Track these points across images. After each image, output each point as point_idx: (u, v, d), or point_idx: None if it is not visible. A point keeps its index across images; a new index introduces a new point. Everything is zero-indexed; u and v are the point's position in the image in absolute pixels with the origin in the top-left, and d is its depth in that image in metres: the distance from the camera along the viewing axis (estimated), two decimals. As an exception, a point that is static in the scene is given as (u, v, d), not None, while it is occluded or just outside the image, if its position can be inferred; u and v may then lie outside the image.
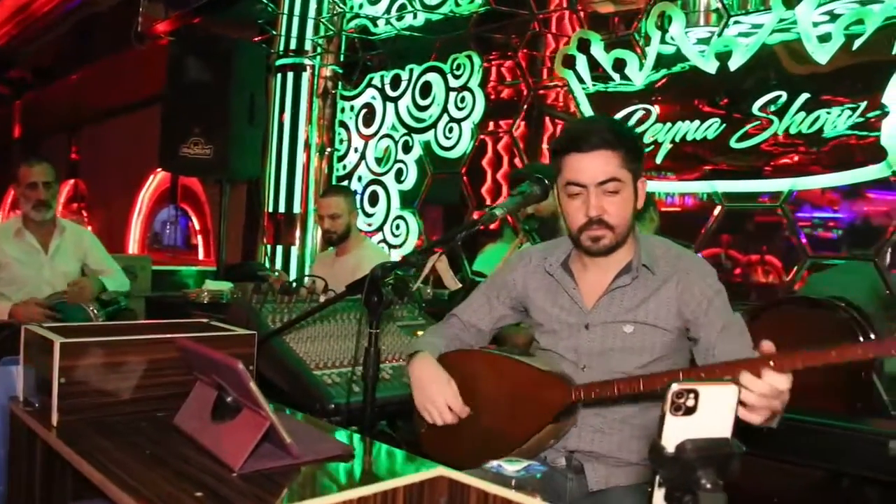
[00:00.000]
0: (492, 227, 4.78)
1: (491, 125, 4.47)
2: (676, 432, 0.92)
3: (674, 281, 1.69)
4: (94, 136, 8.96)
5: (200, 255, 6.75)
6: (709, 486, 0.91)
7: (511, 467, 1.05)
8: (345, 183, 5.18)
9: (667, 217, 3.71)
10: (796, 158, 3.15)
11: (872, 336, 2.91)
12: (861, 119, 2.96)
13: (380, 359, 1.85)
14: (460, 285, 1.86)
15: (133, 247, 7.69)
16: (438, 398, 1.73)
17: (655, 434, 0.92)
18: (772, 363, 1.30)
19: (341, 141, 5.31)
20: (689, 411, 0.92)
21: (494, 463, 1.08)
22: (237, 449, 1.30)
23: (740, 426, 1.93)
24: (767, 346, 1.33)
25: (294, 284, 2.66)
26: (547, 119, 4.43)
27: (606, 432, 1.73)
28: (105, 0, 7.11)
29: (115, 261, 3.86)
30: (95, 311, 3.50)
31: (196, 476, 1.25)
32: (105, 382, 1.59)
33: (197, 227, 6.97)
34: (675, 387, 0.91)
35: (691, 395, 0.92)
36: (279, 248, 5.27)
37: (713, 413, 0.93)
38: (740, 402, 1.29)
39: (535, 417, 1.67)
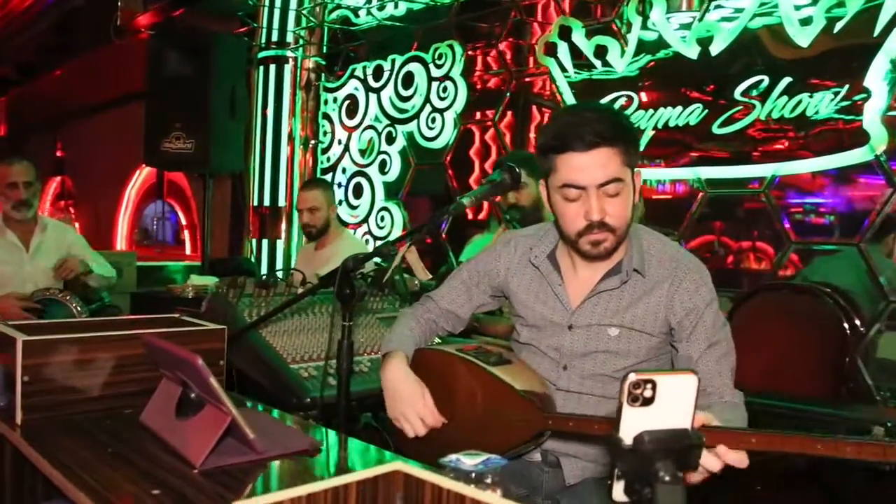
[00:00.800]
0: (479, 217, 4.82)
1: (478, 115, 4.45)
2: (634, 424, 0.90)
3: (665, 287, 1.60)
4: (80, 132, 8.90)
5: (188, 251, 6.72)
6: (667, 478, 0.89)
7: (470, 461, 1.03)
8: (329, 175, 5.15)
9: (652, 204, 3.70)
10: (779, 143, 3.13)
11: (857, 322, 2.92)
12: (843, 103, 2.94)
13: (353, 351, 1.82)
14: (430, 276, 1.83)
15: (121, 243, 7.65)
16: (410, 411, 1.66)
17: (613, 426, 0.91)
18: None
19: (325, 133, 5.28)
20: (647, 402, 0.90)
21: (453, 457, 1.06)
22: (199, 445, 1.28)
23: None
24: (701, 419, 1.19)
25: (273, 279, 2.62)
26: (534, 108, 4.42)
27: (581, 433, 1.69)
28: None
29: (104, 256, 3.83)
30: (79, 308, 3.48)
31: (157, 474, 1.23)
32: (71, 380, 1.57)
33: (184, 222, 6.94)
34: (632, 377, 0.89)
35: (648, 386, 0.90)
36: (265, 242, 5.24)
37: (672, 404, 0.91)
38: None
39: (506, 438, 1.60)
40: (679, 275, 1.60)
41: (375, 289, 2.79)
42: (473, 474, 1.04)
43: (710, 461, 1.19)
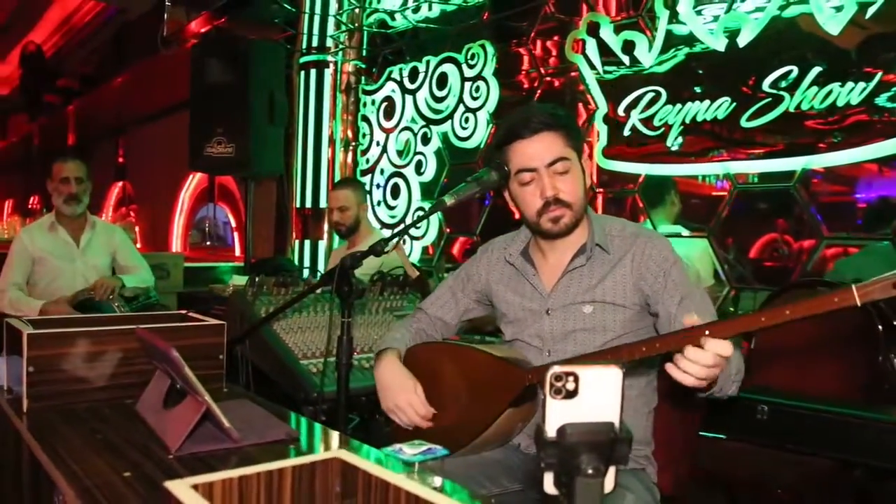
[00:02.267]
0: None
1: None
2: (558, 416, 0.90)
3: (629, 258, 1.69)
4: (138, 139, 9.26)
5: (237, 252, 6.91)
6: (589, 471, 0.89)
7: (410, 450, 1.05)
8: (367, 176, 5.23)
9: (685, 200, 3.63)
10: (809, 136, 3.03)
11: (894, 320, 2.81)
12: (877, 92, 2.83)
13: (353, 348, 1.86)
14: (418, 273, 1.85)
15: (176, 244, 7.92)
16: (402, 402, 1.76)
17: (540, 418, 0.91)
18: (707, 332, 1.29)
19: (364, 135, 5.36)
20: (570, 395, 0.90)
21: (397, 446, 1.09)
22: (176, 432, 1.34)
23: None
24: (690, 319, 1.33)
25: (291, 278, 2.69)
26: (580, 105, 4.38)
27: None
28: (136, 8, 7.33)
29: (151, 259, 4.00)
30: (121, 307, 3.64)
31: (135, 459, 1.30)
32: (75, 371, 1.66)
33: (233, 224, 7.14)
34: (554, 369, 0.90)
35: (571, 378, 0.90)
36: (307, 243, 5.35)
37: (597, 396, 0.91)
38: (686, 373, 1.30)
39: (494, 404, 1.67)
40: (640, 244, 1.70)
41: (397, 287, 2.83)
42: (416, 464, 1.07)
43: (700, 354, 1.29)
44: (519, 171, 1.68)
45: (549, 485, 0.94)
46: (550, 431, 0.91)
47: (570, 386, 0.91)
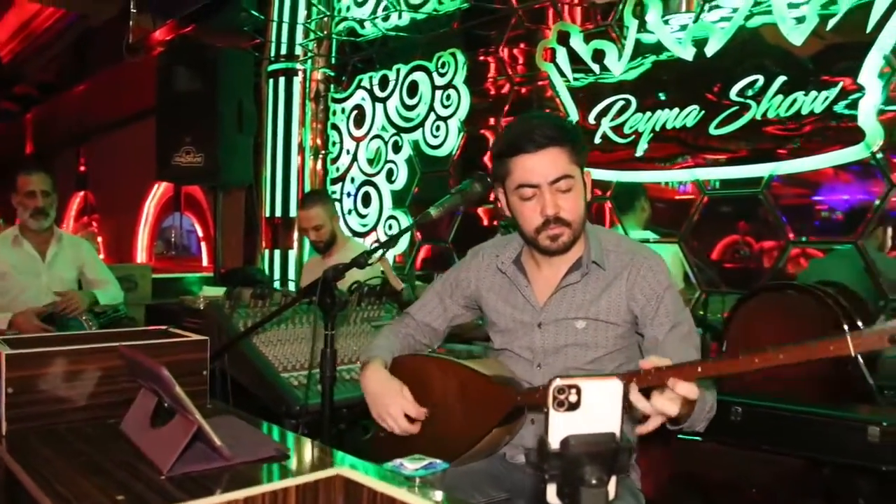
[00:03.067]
0: (495, 223, 4.83)
1: (492, 121, 4.47)
2: (561, 428, 0.92)
3: (624, 277, 1.69)
4: (100, 148, 9.10)
5: (204, 262, 6.82)
6: (593, 481, 0.91)
7: (412, 465, 1.06)
8: (338, 185, 5.21)
9: (658, 207, 3.69)
10: (775, 143, 3.11)
11: (860, 323, 2.89)
12: (838, 101, 2.92)
13: (336, 360, 1.86)
14: (402, 284, 1.86)
15: (141, 255, 7.80)
16: (393, 408, 1.73)
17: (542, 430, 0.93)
18: (699, 369, 1.29)
19: (334, 143, 5.34)
20: (573, 407, 0.92)
21: (397, 461, 1.09)
22: (166, 452, 1.32)
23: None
24: (650, 362, 1.33)
25: (269, 290, 2.67)
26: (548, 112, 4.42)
27: None
28: (99, 14, 7.21)
29: (117, 270, 3.92)
30: (90, 322, 3.57)
31: (125, 481, 1.28)
32: (55, 391, 1.62)
33: (201, 234, 7.05)
34: (557, 382, 0.91)
35: (573, 391, 0.92)
36: (277, 252, 5.31)
37: (598, 408, 0.93)
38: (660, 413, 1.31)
39: (482, 422, 1.67)
40: (636, 264, 1.69)
41: (374, 298, 2.83)
42: (417, 479, 1.07)
43: (661, 400, 1.29)
44: (520, 186, 1.64)
45: (552, 496, 0.96)
46: (554, 443, 0.93)
47: (573, 398, 0.93)
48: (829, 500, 2.51)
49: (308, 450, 1.47)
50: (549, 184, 1.61)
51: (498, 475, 1.79)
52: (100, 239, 8.90)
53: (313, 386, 2.14)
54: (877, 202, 2.85)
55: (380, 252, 1.75)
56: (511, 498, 1.78)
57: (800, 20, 3.00)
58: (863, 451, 2.16)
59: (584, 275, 1.70)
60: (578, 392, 0.92)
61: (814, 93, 2.97)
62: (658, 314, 1.65)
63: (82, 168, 9.70)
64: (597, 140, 3.66)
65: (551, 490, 0.95)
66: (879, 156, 2.83)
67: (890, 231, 3.10)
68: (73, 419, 1.62)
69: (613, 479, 0.94)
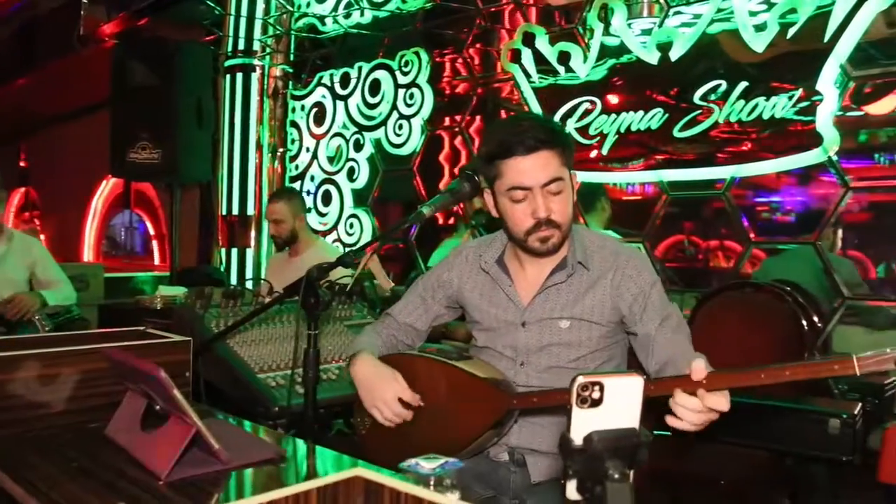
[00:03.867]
0: (449, 222, 4.85)
1: (447, 121, 4.48)
2: (584, 424, 0.93)
3: (609, 277, 1.71)
4: (44, 142, 8.78)
5: (156, 261, 6.66)
6: (616, 476, 0.92)
7: (428, 465, 1.06)
8: (297, 183, 5.15)
9: (618, 207, 3.77)
10: (738, 146, 3.21)
11: (815, 318, 3.00)
12: (798, 106, 3.01)
13: (320, 359, 1.84)
14: (392, 284, 1.85)
15: (88, 254, 7.56)
16: (388, 393, 1.72)
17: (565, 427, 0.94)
18: (704, 380, 1.32)
19: (293, 141, 5.27)
20: (595, 403, 0.94)
21: (413, 461, 1.09)
22: (164, 457, 1.29)
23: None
24: (698, 368, 1.33)
25: (240, 289, 2.63)
26: (503, 112, 4.46)
27: (546, 426, 1.75)
28: (46, 2, 6.94)
29: (68, 269, 3.80)
30: (44, 323, 3.45)
31: (123, 487, 1.24)
32: (35, 396, 1.57)
33: (152, 232, 6.88)
34: (580, 379, 0.93)
35: (596, 388, 0.93)
36: (234, 251, 5.22)
37: (619, 404, 0.95)
38: (677, 417, 1.34)
39: (475, 424, 1.67)
40: (620, 264, 1.72)
41: (345, 297, 2.81)
42: (433, 478, 1.07)
43: (695, 403, 1.32)
44: (512, 188, 1.65)
45: (572, 491, 0.97)
46: (577, 440, 0.95)
47: (596, 395, 0.95)
48: (793, 490, 2.60)
49: (309, 451, 1.46)
50: (541, 186, 1.63)
51: (483, 473, 1.80)
52: (42, 237, 8.60)
53: (293, 386, 2.12)
54: (833, 205, 2.96)
55: (368, 255, 1.73)
56: (497, 495, 1.79)
57: (760, 28, 3.09)
58: (824, 443, 2.24)
59: (570, 275, 1.72)
60: (602, 389, 0.94)
61: (774, 98, 3.06)
62: (647, 311, 1.68)
63: (23, 163, 9.35)
64: (562, 141, 3.70)
65: (571, 486, 0.97)
66: (836, 159, 2.93)
67: (840, 232, 3.24)
68: (52, 424, 1.57)
69: (631, 474, 0.97)
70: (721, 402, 1.31)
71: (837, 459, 2.23)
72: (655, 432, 2.52)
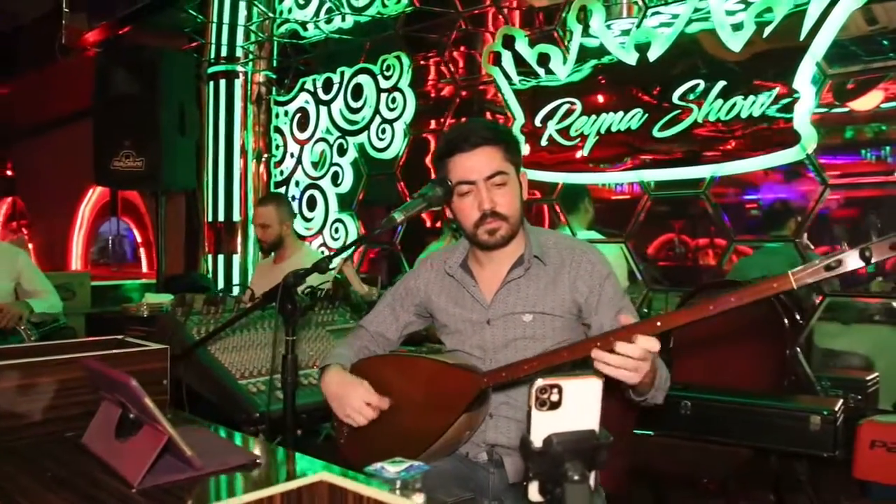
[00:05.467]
0: (436, 225, 4.86)
1: (433, 123, 4.50)
2: (543, 426, 0.95)
3: (566, 271, 1.77)
4: (30, 151, 8.75)
5: (144, 268, 6.65)
6: (576, 477, 0.94)
7: (393, 468, 1.07)
8: (282, 189, 5.15)
9: (600, 208, 3.78)
10: (717, 145, 3.23)
11: (797, 315, 3.03)
12: (775, 104, 3.04)
13: (298, 365, 1.85)
14: (366, 289, 1.86)
15: (76, 262, 7.53)
16: (355, 401, 1.75)
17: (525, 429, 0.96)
18: (658, 323, 1.39)
19: (277, 147, 5.28)
20: (554, 406, 0.95)
21: (378, 465, 1.10)
22: (136, 465, 1.30)
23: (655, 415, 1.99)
24: (625, 318, 1.42)
25: (222, 295, 2.63)
26: (488, 114, 4.47)
27: (520, 419, 1.77)
28: (28, 11, 6.92)
29: (54, 279, 3.80)
30: (29, 332, 3.45)
31: (96, 495, 1.25)
32: (12, 406, 1.57)
33: (139, 239, 6.87)
34: (539, 382, 0.94)
35: (555, 390, 0.95)
36: (220, 257, 5.22)
37: (578, 406, 0.96)
38: (618, 368, 1.38)
39: (448, 410, 1.70)
40: (576, 258, 1.78)
41: (327, 302, 2.82)
42: (398, 482, 1.08)
43: (629, 348, 1.37)
44: (458, 184, 1.73)
45: (534, 493, 0.98)
46: (537, 442, 0.96)
47: (555, 398, 0.96)
48: (777, 487, 2.63)
49: (281, 457, 1.47)
50: (485, 180, 1.70)
51: (462, 475, 1.81)
52: (31, 246, 8.56)
53: (272, 392, 2.13)
54: (813, 202, 2.98)
55: (341, 257, 1.74)
56: (476, 496, 1.80)
57: (737, 27, 3.12)
58: (806, 440, 2.26)
59: (527, 269, 1.78)
60: (560, 391, 0.95)
61: (751, 97, 3.09)
62: (601, 302, 1.74)
63: (10, 172, 9.31)
64: (543, 143, 3.72)
65: (533, 488, 0.98)
66: (814, 157, 2.96)
67: (814, 228, 3.25)
68: (30, 434, 1.58)
69: (593, 475, 0.98)
70: (653, 342, 1.36)
71: (819, 456, 2.26)
72: (638, 431, 2.55)
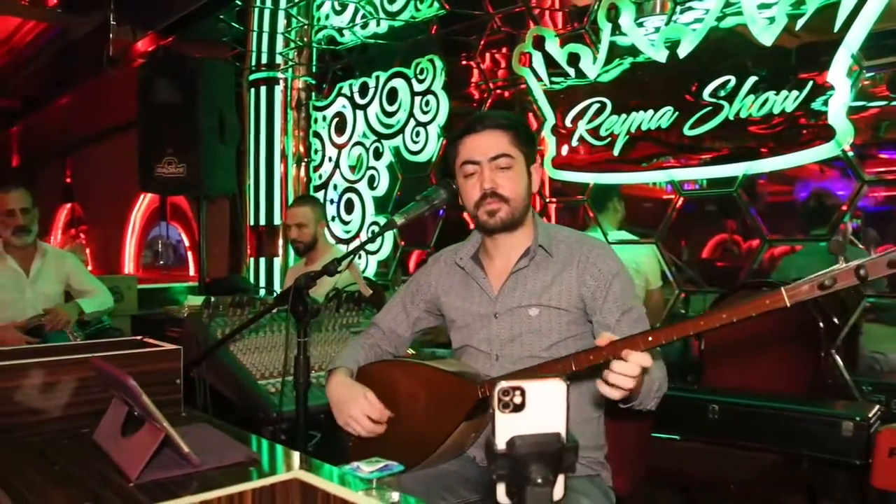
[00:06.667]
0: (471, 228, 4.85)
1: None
2: (507, 429, 0.94)
3: (574, 264, 1.75)
4: (86, 159, 9.10)
5: (191, 272, 6.83)
6: (539, 480, 0.93)
7: (368, 467, 1.08)
8: (321, 192, 5.23)
9: (631, 208, 3.73)
10: (748, 142, 3.15)
11: (834, 318, 2.93)
12: (809, 99, 2.95)
13: (310, 366, 1.88)
14: (371, 291, 1.87)
15: (129, 266, 7.79)
16: (356, 411, 1.76)
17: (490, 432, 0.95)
18: (650, 338, 1.38)
19: (316, 151, 5.37)
20: (518, 408, 0.94)
21: (354, 464, 1.12)
22: (135, 460, 1.34)
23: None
24: (605, 338, 1.40)
25: (246, 298, 2.69)
26: (531, 115, 4.45)
27: None
28: (79, 28, 7.21)
29: (105, 281, 3.94)
30: (75, 333, 3.58)
31: (95, 489, 1.30)
32: (30, 403, 1.64)
33: (187, 243, 7.06)
34: (501, 384, 0.94)
35: (517, 393, 0.94)
36: (262, 260, 5.33)
37: (542, 408, 0.95)
38: (608, 384, 1.36)
39: (448, 419, 1.70)
40: (585, 251, 1.75)
41: (352, 304, 2.85)
42: (374, 480, 1.09)
43: (622, 366, 1.35)
44: (464, 164, 1.74)
45: (501, 495, 0.98)
46: (500, 444, 0.96)
47: (518, 400, 0.95)
48: (806, 494, 2.55)
49: (273, 454, 1.50)
50: (489, 160, 1.71)
51: (469, 477, 1.82)
52: (88, 250, 8.90)
53: (289, 393, 2.17)
54: (849, 198, 2.88)
55: (347, 260, 1.76)
56: (484, 498, 1.80)
57: (770, 20, 3.04)
58: (837, 446, 2.19)
59: (532, 259, 1.77)
60: (523, 393, 0.95)
61: (784, 92, 3.00)
62: (608, 300, 1.70)
63: (68, 180, 9.69)
64: (574, 143, 3.69)
65: (501, 489, 0.98)
66: (850, 153, 2.86)
67: (854, 225, 3.14)
68: (47, 430, 1.64)
69: (561, 478, 0.97)
70: (646, 357, 1.34)
71: (851, 463, 2.18)
72: (665, 436, 2.51)
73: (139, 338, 2.01)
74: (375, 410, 1.76)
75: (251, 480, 0.98)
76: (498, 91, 4.28)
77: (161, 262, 7.42)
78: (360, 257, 4.83)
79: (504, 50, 4.31)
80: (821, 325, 2.80)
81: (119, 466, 1.39)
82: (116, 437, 1.49)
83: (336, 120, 5.17)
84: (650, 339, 1.37)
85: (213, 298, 2.56)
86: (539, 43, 3.82)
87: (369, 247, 4.88)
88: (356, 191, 4.99)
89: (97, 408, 1.66)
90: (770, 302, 1.26)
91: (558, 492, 0.96)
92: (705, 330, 1.33)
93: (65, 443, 1.59)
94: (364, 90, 4.94)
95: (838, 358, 2.89)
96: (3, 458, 1.49)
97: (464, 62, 4.48)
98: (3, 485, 1.33)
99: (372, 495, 1.01)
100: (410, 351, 2.80)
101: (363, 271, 4.68)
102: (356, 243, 4.94)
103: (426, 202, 1.70)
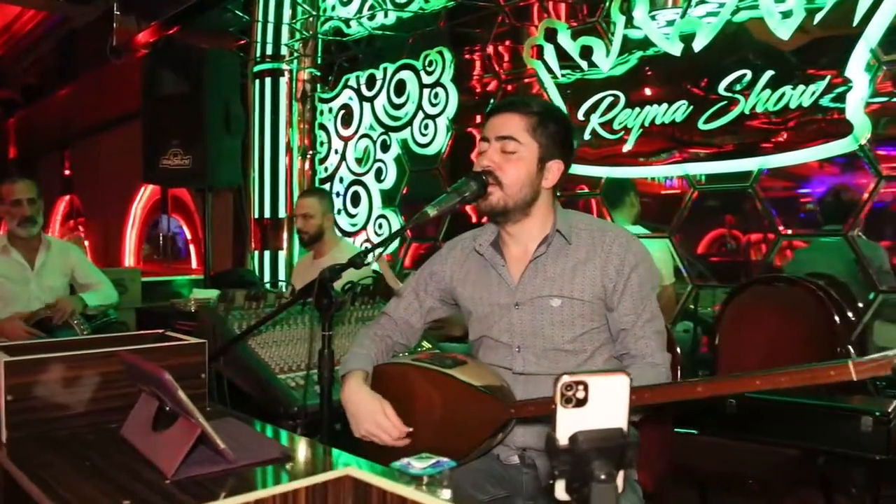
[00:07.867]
0: (483, 220, 4.83)
1: (478, 118, 4.47)
2: (569, 424, 0.93)
3: (597, 252, 1.71)
4: (86, 151, 9.03)
5: (193, 264, 6.79)
6: (602, 476, 0.91)
7: (419, 464, 1.06)
8: (327, 185, 5.20)
9: (648, 201, 3.71)
10: (764, 137, 3.14)
11: (849, 312, 2.92)
12: (826, 94, 2.94)
13: (334, 360, 1.86)
14: (401, 284, 1.84)
15: (129, 259, 7.74)
16: (372, 427, 1.72)
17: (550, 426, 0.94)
18: (700, 388, 1.37)
19: (321, 143, 5.33)
20: (580, 403, 0.93)
21: (405, 461, 1.10)
22: (170, 456, 1.32)
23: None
24: None
25: (262, 291, 2.66)
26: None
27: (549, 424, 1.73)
28: (81, 17, 7.14)
29: (107, 275, 3.91)
30: (81, 326, 3.55)
31: (130, 485, 1.27)
32: (55, 397, 1.62)
33: (189, 236, 7.02)
34: (564, 378, 0.92)
35: (580, 387, 0.92)
36: (266, 253, 5.30)
37: (605, 403, 0.94)
38: None
39: (473, 434, 1.65)
40: (608, 240, 1.72)
41: (368, 297, 2.83)
42: (423, 477, 1.07)
43: None
44: (481, 140, 1.76)
45: (560, 491, 0.96)
46: (562, 439, 0.94)
47: (581, 395, 0.93)
48: (824, 489, 2.54)
49: (311, 451, 1.47)
50: (496, 139, 1.71)
51: (496, 474, 1.79)
52: (87, 242, 8.84)
53: (311, 387, 2.14)
54: (866, 194, 2.87)
55: (377, 251, 1.73)
56: (510, 495, 1.78)
57: (786, 14, 3.02)
58: (856, 441, 2.18)
59: (549, 245, 1.74)
60: (586, 388, 0.93)
61: (801, 87, 2.99)
62: (624, 292, 1.69)
63: (67, 172, 9.62)
64: (586, 136, 3.67)
65: (560, 486, 0.96)
66: (867, 148, 2.85)
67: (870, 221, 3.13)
68: (73, 425, 1.62)
69: (621, 474, 0.95)
70: None
71: (870, 458, 2.17)
72: (682, 430, 2.50)
73: (161, 331, 1.99)
74: (395, 430, 1.70)
75: (300, 478, 0.95)
76: (507, 84, 4.25)
77: (162, 256, 7.38)
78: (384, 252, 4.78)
79: (512, 42, 4.28)
80: (836, 319, 2.79)
81: (152, 462, 1.36)
82: (147, 433, 1.47)
83: (342, 112, 5.14)
84: (699, 389, 1.36)
85: (229, 292, 2.52)
86: (551, 35, 3.79)
87: (375, 239, 4.86)
88: (363, 183, 4.96)
89: (123, 402, 1.63)
90: (835, 373, 1.21)
91: (619, 487, 0.94)
92: (763, 390, 1.29)
93: (91, 438, 1.56)
94: (371, 82, 4.90)
95: (854, 353, 2.88)
96: (31, 452, 1.46)
97: (472, 55, 4.45)
98: (33, 478, 1.31)
99: (423, 491, 0.99)
100: (426, 344, 2.80)
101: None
102: (379, 237, 4.89)
103: (457, 194, 1.67)
